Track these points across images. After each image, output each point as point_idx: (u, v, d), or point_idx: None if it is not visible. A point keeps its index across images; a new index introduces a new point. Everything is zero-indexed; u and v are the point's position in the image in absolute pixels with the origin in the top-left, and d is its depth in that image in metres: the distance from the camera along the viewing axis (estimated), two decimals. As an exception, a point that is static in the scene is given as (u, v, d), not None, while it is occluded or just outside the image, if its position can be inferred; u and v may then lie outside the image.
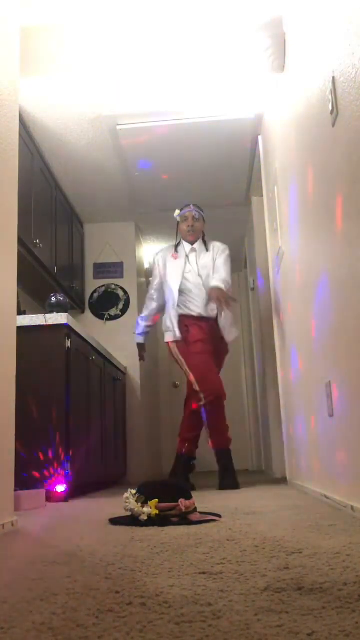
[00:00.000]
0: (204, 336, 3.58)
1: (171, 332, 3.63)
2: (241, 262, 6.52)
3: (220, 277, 3.63)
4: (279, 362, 3.80)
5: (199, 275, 3.71)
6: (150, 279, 3.94)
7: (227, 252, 3.81)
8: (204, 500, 2.52)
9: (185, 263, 3.74)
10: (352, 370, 1.80)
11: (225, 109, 3.79)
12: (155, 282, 3.84)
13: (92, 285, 5.36)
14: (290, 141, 2.82)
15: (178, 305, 3.65)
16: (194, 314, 3.65)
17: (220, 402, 3.49)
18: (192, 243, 3.80)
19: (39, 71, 3.20)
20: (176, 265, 3.75)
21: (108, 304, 5.27)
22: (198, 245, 3.80)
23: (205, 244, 3.83)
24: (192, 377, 3.49)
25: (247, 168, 4.61)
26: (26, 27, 3.09)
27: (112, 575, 1.06)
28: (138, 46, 3.18)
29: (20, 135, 3.36)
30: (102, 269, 5.37)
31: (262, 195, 4.24)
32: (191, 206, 3.82)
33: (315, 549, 1.21)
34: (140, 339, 3.91)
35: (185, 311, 3.65)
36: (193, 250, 3.79)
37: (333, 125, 1.89)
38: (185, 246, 3.81)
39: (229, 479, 3.40)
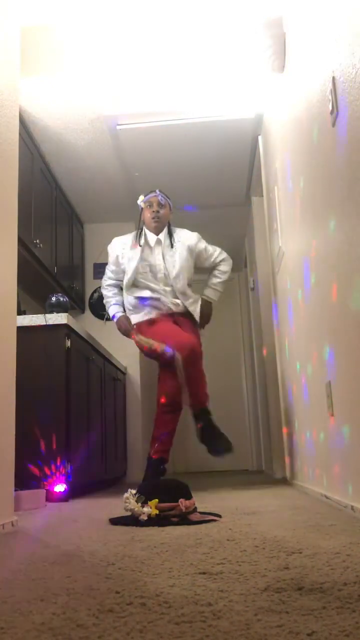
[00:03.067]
0: (166, 319, 3.37)
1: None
2: (241, 262, 6.52)
3: (220, 279, 3.60)
4: (279, 362, 3.80)
5: (165, 271, 3.43)
6: (107, 267, 3.66)
7: (197, 239, 3.59)
8: (204, 500, 2.52)
9: (145, 255, 3.43)
10: (352, 370, 1.80)
11: (225, 109, 3.79)
12: (112, 270, 3.57)
13: (92, 285, 5.36)
14: (290, 141, 2.82)
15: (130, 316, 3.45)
16: (152, 315, 3.39)
17: (196, 356, 3.23)
18: (156, 233, 3.50)
19: (39, 71, 3.20)
20: (134, 257, 3.44)
21: (108, 304, 5.25)
22: (163, 236, 3.50)
23: (171, 236, 3.52)
24: (158, 347, 3.21)
25: (247, 168, 4.61)
26: (26, 27, 3.09)
27: (112, 575, 1.06)
28: (138, 46, 3.18)
29: (20, 135, 3.36)
30: (102, 269, 5.33)
31: (262, 195, 4.24)
32: (157, 191, 3.53)
33: (315, 549, 1.21)
34: (121, 313, 3.54)
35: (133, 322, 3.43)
36: (158, 242, 3.49)
37: (333, 125, 1.89)
38: (149, 236, 3.49)
39: (220, 439, 3.16)
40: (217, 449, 3.16)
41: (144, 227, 3.55)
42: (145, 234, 3.53)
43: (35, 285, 4.20)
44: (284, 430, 3.69)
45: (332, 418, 2.11)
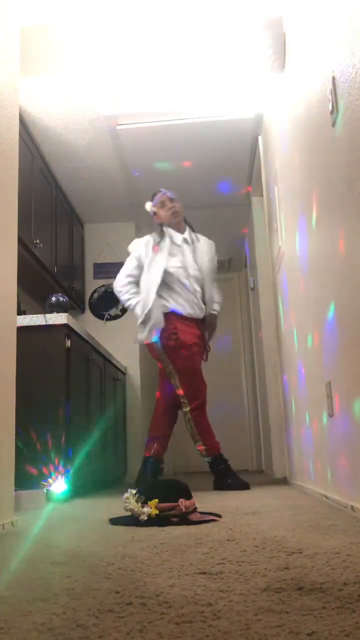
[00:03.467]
0: (193, 337, 3.34)
1: (153, 330, 3.30)
2: (241, 262, 6.52)
3: (218, 298, 3.58)
4: (279, 362, 3.80)
5: (199, 270, 3.39)
6: (125, 267, 3.52)
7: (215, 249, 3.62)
8: (204, 500, 2.52)
9: (174, 254, 3.36)
10: (352, 370, 1.80)
11: (225, 109, 3.79)
12: (134, 266, 3.44)
13: (92, 285, 5.36)
14: (290, 141, 2.82)
15: (163, 305, 3.33)
16: (184, 313, 3.35)
17: (204, 407, 3.36)
18: (180, 231, 3.46)
19: (39, 71, 3.20)
20: (160, 260, 3.35)
21: (108, 304, 5.26)
22: (188, 234, 3.47)
23: (193, 230, 3.51)
24: (178, 382, 3.30)
25: (247, 168, 4.61)
26: (26, 27, 3.09)
27: (112, 575, 1.06)
28: (138, 46, 3.18)
29: (20, 135, 3.36)
30: (102, 269, 5.36)
31: (262, 195, 4.24)
32: (162, 190, 3.49)
33: (315, 549, 1.21)
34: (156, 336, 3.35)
35: (172, 309, 3.33)
36: (185, 240, 3.44)
37: (333, 125, 1.89)
38: (175, 237, 3.43)
39: (234, 478, 3.22)
40: (232, 485, 3.18)
41: (165, 228, 3.47)
42: (170, 236, 3.43)
43: (35, 285, 4.20)
44: (284, 429, 3.68)
45: (332, 418, 2.11)
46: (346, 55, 1.71)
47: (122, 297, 3.49)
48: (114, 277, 3.66)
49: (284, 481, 3.72)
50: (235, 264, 6.71)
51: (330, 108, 1.89)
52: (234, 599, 0.85)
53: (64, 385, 3.10)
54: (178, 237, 3.43)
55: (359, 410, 1.74)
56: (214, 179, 4.73)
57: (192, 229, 3.54)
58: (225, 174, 4.66)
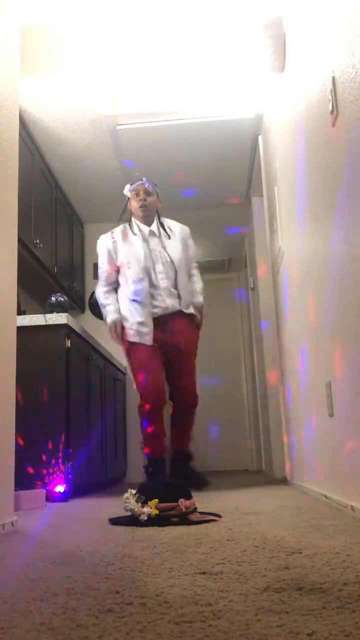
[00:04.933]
0: (156, 342, 3.23)
1: (133, 331, 3.24)
2: (241, 262, 6.52)
3: (199, 287, 3.44)
4: (279, 361, 3.80)
5: (167, 260, 3.28)
6: (98, 271, 3.43)
7: (189, 234, 3.49)
8: (204, 500, 2.52)
9: (145, 248, 3.27)
10: (352, 370, 1.80)
11: (225, 109, 3.79)
12: (105, 273, 3.34)
13: (92, 285, 5.35)
14: (290, 141, 2.82)
15: (139, 302, 3.23)
16: (158, 311, 3.24)
17: (157, 410, 3.22)
18: (146, 223, 3.36)
19: (39, 71, 3.20)
20: (134, 249, 3.27)
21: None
22: (155, 227, 3.37)
23: (162, 225, 3.41)
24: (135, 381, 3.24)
25: (247, 168, 4.61)
26: (26, 27, 3.09)
27: (112, 575, 1.06)
28: (138, 46, 3.18)
29: (20, 135, 3.36)
30: (102, 269, 5.35)
31: (262, 195, 4.24)
32: (143, 179, 3.38)
33: (315, 549, 1.21)
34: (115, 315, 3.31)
35: (148, 308, 3.24)
36: (152, 233, 3.35)
37: (333, 125, 1.89)
38: (141, 227, 3.35)
39: (193, 475, 3.18)
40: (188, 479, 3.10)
41: (133, 219, 3.41)
42: (137, 225, 3.37)
43: (35, 285, 4.20)
44: (284, 429, 3.68)
45: (332, 418, 2.11)
46: (346, 55, 1.71)
47: (102, 307, 3.45)
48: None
49: (284, 481, 3.72)
50: (235, 264, 6.72)
51: (330, 108, 1.89)
52: (234, 599, 0.85)
53: (64, 385, 3.10)
54: (145, 229, 3.36)
55: (358, 410, 1.74)
56: (214, 178, 4.73)
57: (160, 220, 3.43)
58: (225, 173, 4.66)
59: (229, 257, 6.57)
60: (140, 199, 3.35)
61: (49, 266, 4.00)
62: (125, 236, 3.35)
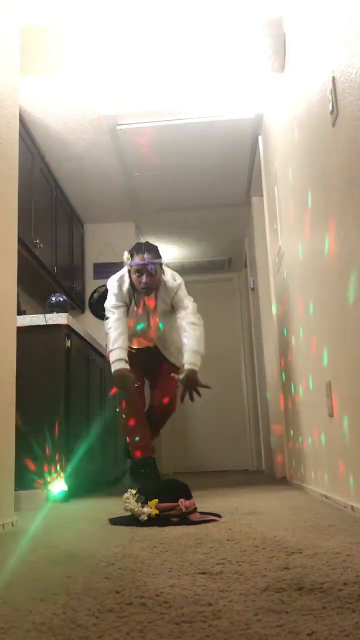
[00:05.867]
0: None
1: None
2: (241, 262, 6.52)
3: (194, 346, 3.06)
4: (279, 361, 3.80)
5: (156, 314, 3.21)
6: (113, 302, 3.18)
7: (182, 283, 3.25)
8: (204, 500, 2.52)
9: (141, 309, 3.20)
10: (352, 370, 1.80)
11: (225, 109, 3.79)
12: (120, 309, 3.17)
13: (92, 285, 5.36)
14: (290, 141, 2.82)
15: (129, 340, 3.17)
16: (135, 346, 3.28)
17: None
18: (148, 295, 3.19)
19: (39, 71, 3.20)
20: (134, 312, 3.21)
21: (108, 304, 5.25)
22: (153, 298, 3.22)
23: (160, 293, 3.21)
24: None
25: (247, 168, 4.61)
26: (26, 27, 3.09)
27: (112, 575, 1.05)
28: (138, 46, 3.18)
29: (20, 135, 3.35)
30: (102, 269, 5.36)
31: (262, 195, 4.24)
32: (145, 256, 3.09)
33: (315, 549, 1.20)
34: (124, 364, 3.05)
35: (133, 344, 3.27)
36: (149, 298, 3.22)
37: (333, 125, 1.89)
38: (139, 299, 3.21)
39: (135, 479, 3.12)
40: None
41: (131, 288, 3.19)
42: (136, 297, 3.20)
43: (35, 285, 4.19)
44: (284, 430, 3.68)
45: (332, 418, 2.11)
46: (346, 55, 1.71)
47: (108, 333, 3.20)
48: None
49: (284, 481, 3.72)
50: (235, 264, 6.72)
51: (330, 108, 1.89)
52: (234, 599, 0.85)
53: (64, 385, 3.10)
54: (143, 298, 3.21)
55: (358, 410, 1.74)
56: (214, 179, 4.73)
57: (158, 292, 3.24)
58: (225, 174, 4.66)
59: (229, 257, 6.57)
60: (143, 282, 3.10)
61: (49, 266, 4.00)
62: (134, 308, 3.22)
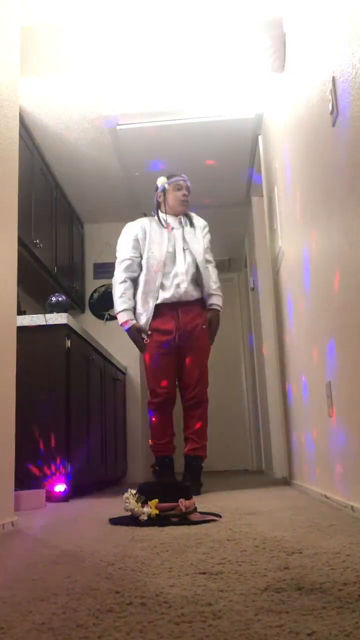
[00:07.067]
0: (171, 333, 3.19)
1: (143, 321, 3.19)
2: (241, 262, 6.52)
3: (216, 287, 3.36)
4: (279, 361, 3.80)
5: (189, 252, 3.26)
6: (119, 254, 3.36)
7: (208, 229, 3.45)
8: (204, 500, 2.52)
9: (169, 239, 3.25)
10: (352, 370, 1.80)
11: (225, 109, 3.79)
12: (128, 261, 3.28)
13: (92, 285, 5.36)
14: (290, 141, 2.82)
15: (160, 289, 3.18)
16: (172, 299, 3.18)
17: (156, 407, 3.26)
18: (178, 215, 3.35)
19: (39, 71, 3.20)
20: (162, 241, 3.25)
21: (108, 304, 5.25)
22: (183, 219, 3.37)
23: (189, 218, 3.40)
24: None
25: (247, 168, 4.61)
26: (26, 27, 3.09)
27: (112, 575, 1.06)
28: (138, 46, 3.18)
29: (20, 135, 3.36)
30: (102, 269, 5.36)
31: (262, 195, 4.24)
32: (183, 175, 3.39)
33: (315, 549, 1.20)
34: (133, 321, 3.20)
35: (164, 296, 3.18)
36: (180, 224, 3.33)
37: (333, 125, 1.89)
38: (170, 220, 3.32)
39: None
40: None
41: (160, 212, 3.35)
42: (165, 218, 3.33)
43: (35, 285, 4.20)
44: (284, 430, 3.68)
45: (332, 418, 2.11)
46: (346, 55, 1.71)
47: (115, 295, 3.34)
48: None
49: (284, 481, 3.72)
50: (235, 264, 6.71)
51: (330, 108, 1.89)
52: (234, 599, 0.85)
53: (64, 385, 3.10)
54: (173, 221, 3.33)
55: (358, 410, 1.74)
56: (214, 179, 4.73)
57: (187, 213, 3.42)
58: (225, 174, 4.66)
59: (229, 257, 6.57)
60: (183, 195, 3.33)
61: (49, 266, 4.00)
62: (162, 228, 3.31)
